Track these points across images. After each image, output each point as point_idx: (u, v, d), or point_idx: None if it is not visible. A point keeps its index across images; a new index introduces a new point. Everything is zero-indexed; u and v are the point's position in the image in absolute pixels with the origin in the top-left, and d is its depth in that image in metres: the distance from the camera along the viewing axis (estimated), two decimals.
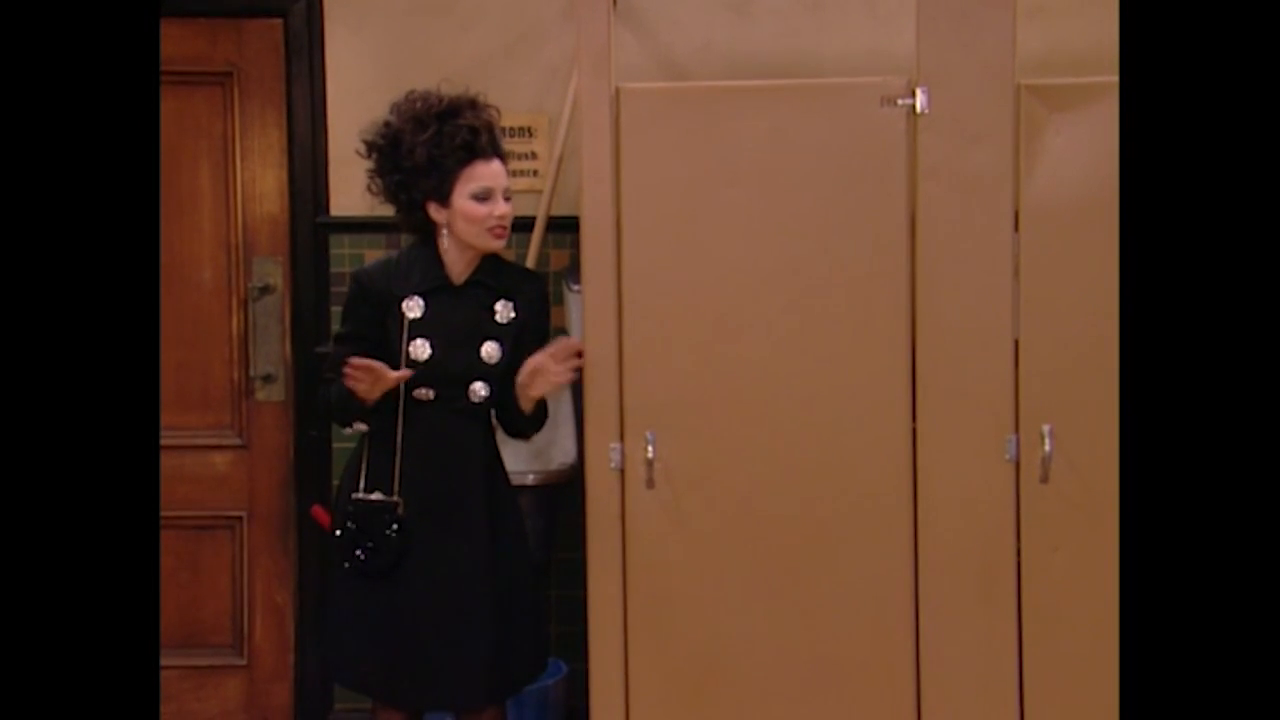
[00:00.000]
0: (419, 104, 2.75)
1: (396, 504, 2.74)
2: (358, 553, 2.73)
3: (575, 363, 2.79)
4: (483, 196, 2.72)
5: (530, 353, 2.81)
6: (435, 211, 2.76)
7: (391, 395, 2.74)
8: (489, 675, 2.77)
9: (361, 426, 2.82)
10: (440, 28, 3.68)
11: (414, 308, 2.76)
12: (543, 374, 2.77)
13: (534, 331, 2.87)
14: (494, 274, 2.82)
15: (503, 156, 2.78)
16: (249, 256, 3.79)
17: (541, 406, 2.87)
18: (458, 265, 2.79)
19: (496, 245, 2.77)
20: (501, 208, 2.74)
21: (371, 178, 2.81)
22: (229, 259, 3.79)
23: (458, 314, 2.78)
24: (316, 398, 2.95)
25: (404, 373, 2.70)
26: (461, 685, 2.77)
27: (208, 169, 3.79)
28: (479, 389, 2.77)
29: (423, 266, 2.78)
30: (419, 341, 2.74)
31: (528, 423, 2.88)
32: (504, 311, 2.81)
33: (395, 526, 2.72)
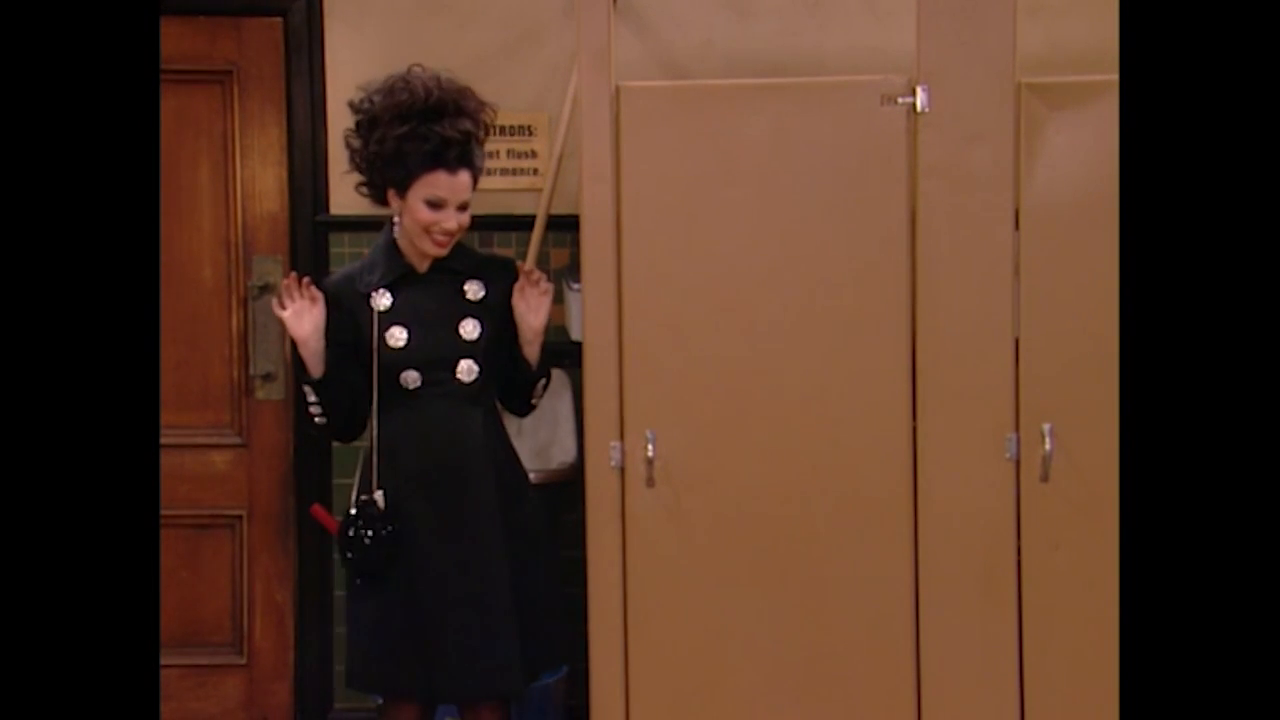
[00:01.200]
0: (406, 95, 2.73)
1: (372, 502, 2.76)
2: (347, 553, 2.77)
3: (546, 284, 2.85)
4: (435, 204, 2.72)
5: (512, 336, 2.84)
6: (393, 198, 2.77)
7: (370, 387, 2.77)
8: (514, 665, 2.76)
9: (310, 396, 2.81)
10: (440, 26, 3.67)
11: (382, 300, 2.78)
12: (532, 303, 2.81)
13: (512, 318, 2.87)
14: (458, 258, 2.83)
15: (474, 167, 2.74)
16: (248, 255, 3.78)
17: (544, 363, 2.88)
18: (417, 254, 2.80)
19: (436, 252, 2.76)
20: (449, 221, 2.72)
21: (347, 139, 2.83)
22: (229, 257, 3.79)
23: (428, 298, 2.79)
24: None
25: (314, 292, 2.77)
26: (487, 675, 2.75)
27: (207, 167, 3.79)
28: (467, 368, 2.77)
29: (385, 260, 2.81)
30: (393, 329, 2.76)
31: (536, 375, 2.87)
32: (474, 290, 2.81)
33: (369, 532, 2.73)
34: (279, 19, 3.73)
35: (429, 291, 2.80)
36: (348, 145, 2.83)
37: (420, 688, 2.79)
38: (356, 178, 2.85)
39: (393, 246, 2.81)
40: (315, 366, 2.77)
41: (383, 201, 2.81)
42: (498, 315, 2.82)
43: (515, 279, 2.86)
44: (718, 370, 2.87)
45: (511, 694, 2.83)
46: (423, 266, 2.81)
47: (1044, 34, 3.48)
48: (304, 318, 2.75)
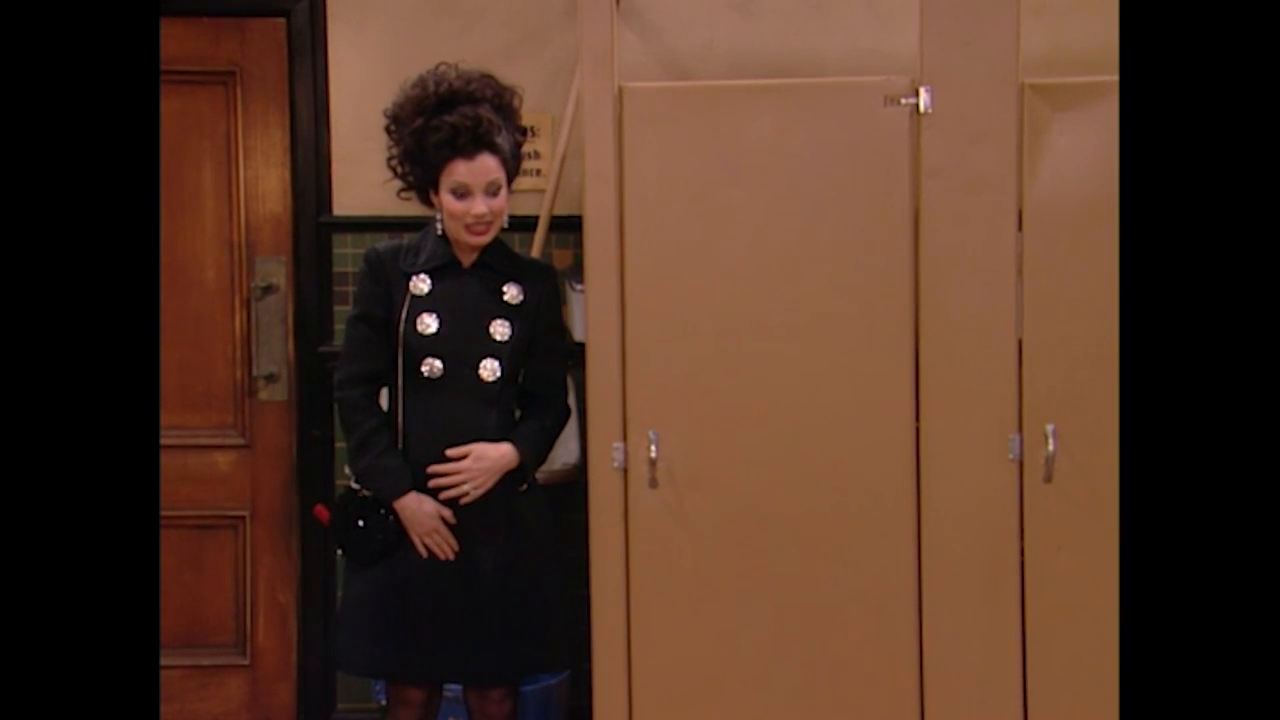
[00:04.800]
0: (418, 91, 2.77)
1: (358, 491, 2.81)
2: (342, 541, 2.83)
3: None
4: (460, 193, 2.73)
5: (544, 342, 2.86)
6: (434, 198, 2.80)
7: (393, 371, 2.80)
8: (499, 655, 2.79)
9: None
10: (443, 27, 3.68)
11: (420, 285, 2.79)
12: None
13: (547, 323, 2.89)
14: (502, 259, 2.85)
15: (496, 149, 2.73)
16: (252, 256, 3.79)
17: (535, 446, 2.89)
18: (462, 248, 2.81)
19: (475, 242, 2.78)
20: (479, 206, 2.73)
21: (387, 146, 2.85)
22: (232, 258, 3.79)
23: (465, 293, 2.81)
24: (334, 400, 2.95)
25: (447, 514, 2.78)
26: (470, 661, 2.79)
27: (210, 168, 3.79)
28: (491, 367, 2.78)
29: (431, 247, 2.82)
30: (425, 316, 2.77)
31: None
32: (513, 294, 2.82)
33: (361, 522, 2.79)
34: (282, 20, 3.73)
35: (468, 286, 2.81)
36: (387, 151, 2.85)
37: (418, 671, 2.81)
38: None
39: (442, 236, 2.82)
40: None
41: (428, 204, 2.83)
42: (531, 320, 2.84)
43: (554, 284, 2.91)
44: (720, 371, 2.86)
45: (485, 682, 2.83)
46: (467, 261, 2.82)
47: (1047, 35, 3.48)
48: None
